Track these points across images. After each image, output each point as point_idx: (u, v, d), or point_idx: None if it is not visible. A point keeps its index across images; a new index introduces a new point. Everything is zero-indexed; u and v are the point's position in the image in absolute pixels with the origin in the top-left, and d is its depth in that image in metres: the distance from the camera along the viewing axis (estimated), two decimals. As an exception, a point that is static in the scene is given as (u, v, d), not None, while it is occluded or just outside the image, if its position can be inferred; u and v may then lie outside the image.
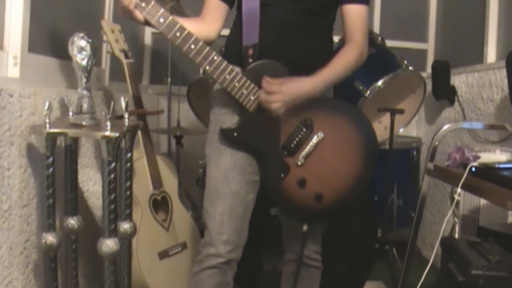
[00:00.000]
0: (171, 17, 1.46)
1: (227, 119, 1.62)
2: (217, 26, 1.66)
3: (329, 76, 1.58)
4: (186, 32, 1.47)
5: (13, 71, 1.61)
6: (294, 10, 1.59)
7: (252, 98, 1.54)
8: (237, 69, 1.54)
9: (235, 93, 1.54)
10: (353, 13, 1.61)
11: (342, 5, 1.62)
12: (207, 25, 1.65)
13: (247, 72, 1.55)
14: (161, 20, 1.45)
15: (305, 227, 1.66)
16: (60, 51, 1.86)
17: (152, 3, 1.45)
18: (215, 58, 1.50)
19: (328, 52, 1.66)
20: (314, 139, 1.60)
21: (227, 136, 1.59)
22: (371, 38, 2.58)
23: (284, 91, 1.52)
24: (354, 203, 1.70)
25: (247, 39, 1.57)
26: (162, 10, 1.45)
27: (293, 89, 1.53)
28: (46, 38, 1.86)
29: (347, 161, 1.64)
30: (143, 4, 1.44)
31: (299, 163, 1.60)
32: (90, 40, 1.55)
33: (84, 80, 1.56)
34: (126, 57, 2.15)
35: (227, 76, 1.52)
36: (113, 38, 2.12)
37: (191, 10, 2.73)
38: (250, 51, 1.56)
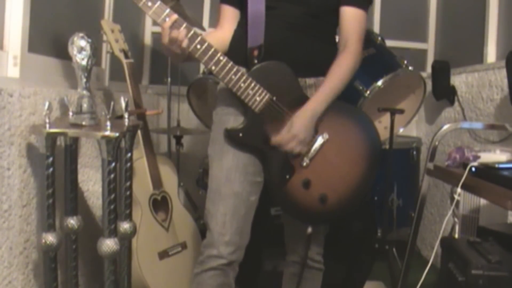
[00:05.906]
0: (176, 16, 1.45)
1: (231, 119, 1.62)
2: None
3: (330, 91, 1.58)
4: (192, 31, 1.46)
5: (13, 71, 1.62)
6: (299, 13, 1.59)
7: (258, 99, 1.54)
8: (242, 70, 1.53)
9: (240, 94, 1.53)
10: (350, 15, 1.61)
11: (340, 7, 1.61)
12: (228, 32, 1.68)
13: (252, 73, 1.55)
14: (167, 19, 1.44)
15: (309, 229, 1.64)
16: (60, 51, 1.86)
17: (158, 3, 1.44)
18: (221, 58, 1.49)
19: (330, 55, 1.65)
20: (319, 140, 1.60)
21: (232, 137, 1.59)
22: (371, 38, 2.58)
23: (295, 132, 1.54)
24: (358, 205, 1.69)
25: (252, 41, 1.57)
26: (168, 10, 1.44)
27: (302, 126, 1.54)
28: (46, 38, 1.86)
29: (351, 162, 1.63)
30: (149, 4, 1.43)
31: (304, 164, 1.59)
32: (90, 40, 1.55)
33: (84, 80, 1.56)
34: (126, 57, 2.15)
35: (233, 77, 1.51)
36: (113, 38, 2.12)
37: (191, 10, 2.73)
38: (255, 52, 1.56)
